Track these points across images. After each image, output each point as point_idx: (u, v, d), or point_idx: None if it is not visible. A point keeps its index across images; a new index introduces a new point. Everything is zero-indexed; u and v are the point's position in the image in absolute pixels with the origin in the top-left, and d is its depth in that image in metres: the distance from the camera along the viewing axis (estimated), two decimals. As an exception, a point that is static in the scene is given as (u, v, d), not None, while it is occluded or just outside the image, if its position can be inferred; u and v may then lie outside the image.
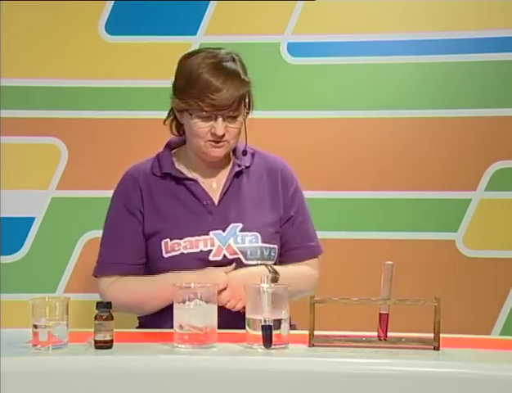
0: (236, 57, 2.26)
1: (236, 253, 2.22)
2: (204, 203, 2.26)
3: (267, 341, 1.80)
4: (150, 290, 2.23)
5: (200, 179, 2.30)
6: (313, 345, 1.86)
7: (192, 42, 3.03)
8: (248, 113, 2.28)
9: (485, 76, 2.99)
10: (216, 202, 2.27)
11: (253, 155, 2.35)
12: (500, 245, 2.97)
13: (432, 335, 1.85)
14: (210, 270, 2.18)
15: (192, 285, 1.87)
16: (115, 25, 3.04)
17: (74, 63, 3.03)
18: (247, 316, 1.85)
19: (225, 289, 2.12)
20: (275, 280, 2.14)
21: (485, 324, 2.93)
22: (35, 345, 1.82)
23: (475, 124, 2.98)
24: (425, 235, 2.99)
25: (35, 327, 1.82)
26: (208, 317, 1.85)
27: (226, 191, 2.28)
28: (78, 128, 3.03)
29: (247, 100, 2.25)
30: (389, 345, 1.86)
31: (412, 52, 2.99)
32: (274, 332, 1.81)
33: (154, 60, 3.04)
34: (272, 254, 2.27)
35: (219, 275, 2.15)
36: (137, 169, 2.36)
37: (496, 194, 2.98)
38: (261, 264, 2.23)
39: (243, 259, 2.23)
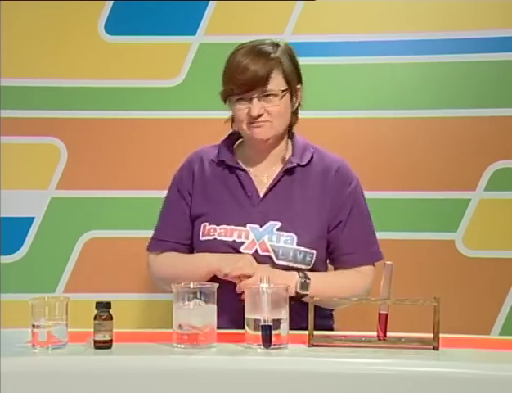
0: (282, 44, 2.29)
1: (268, 250, 2.21)
2: (249, 194, 2.26)
3: (267, 341, 1.80)
4: (182, 266, 2.28)
5: (253, 172, 2.30)
6: (313, 345, 1.86)
7: (192, 42, 3.03)
8: (293, 98, 2.28)
9: (484, 76, 2.98)
10: (261, 196, 2.27)
11: (312, 153, 2.33)
12: (500, 245, 2.97)
13: (431, 335, 1.85)
14: (237, 256, 2.20)
15: (192, 285, 1.87)
16: (115, 25, 3.04)
17: (74, 63, 3.03)
18: (246, 316, 1.85)
19: (249, 277, 2.12)
20: (305, 286, 2.14)
21: (484, 324, 2.93)
22: (34, 345, 1.81)
23: (474, 124, 2.98)
24: (425, 235, 2.98)
25: (35, 327, 1.81)
26: (208, 317, 1.85)
27: (273, 186, 2.27)
28: (77, 128, 3.02)
29: (285, 81, 2.25)
30: (389, 345, 1.86)
31: (411, 52, 2.99)
32: (273, 332, 1.81)
33: (153, 60, 3.04)
34: (308, 258, 2.23)
35: (246, 259, 2.16)
36: (198, 153, 2.39)
37: (495, 194, 2.97)
38: (294, 269, 2.21)
39: (274, 258, 2.21)
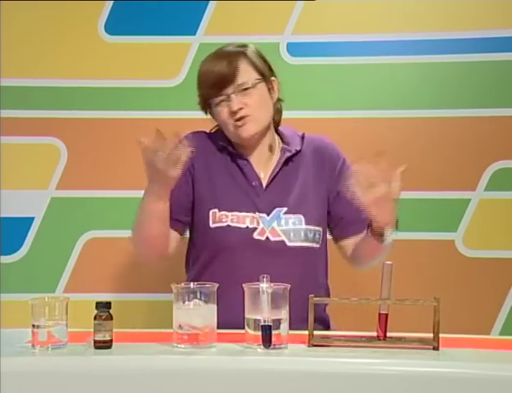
0: (244, 45, 2.32)
1: (279, 235, 2.23)
2: (253, 184, 2.28)
3: (267, 341, 1.80)
4: (137, 213, 2.26)
5: (253, 161, 2.32)
6: (313, 345, 1.86)
7: (192, 42, 3.03)
8: (270, 90, 2.30)
9: (484, 76, 2.98)
10: (264, 186, 2.29)
11: (302, 138, 2.37)
12: (500, 245, 2.97)
13: (431, 335, 1.85)
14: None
15: (192, 285, 1.87)
16: (115, 25, 3.04)
17: (74, 63, 3.03)
18: (246, 316, 1.85)
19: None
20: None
21: (484, 324, 2.93)
22: (34, 345, 1.81)
23: (474, 124, 2.98)
24: (425, 235, 2.98)
25: (34, 327, 1.81)
26: (208, 317, 1.85)
27: (275, 176, 2.30)
28: (77, 128, 3.02)
29: (257, 73, 2.28)
30: (389, 345, 1.86)
31: (411, 52, 2.99)
32: (273, 332, 1.81)
33: (153, 60, 3.04)
34: (317, 236, 2.28)
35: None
36: (196, 133, 2.37)
37: (495, 194, 2.97)
38: (305, 248, 2.24)
39: (286, 242, 2.25)
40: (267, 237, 2.24)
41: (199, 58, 2.99)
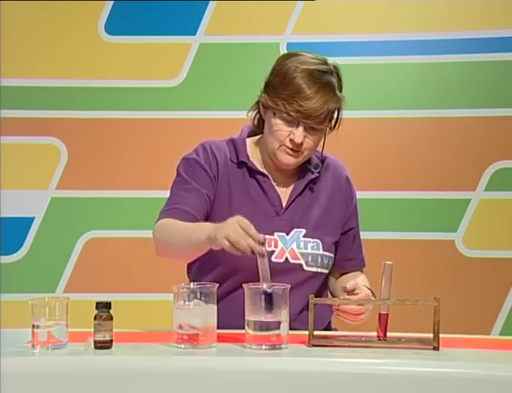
0: (334, 70, 2.18)
1: (298, 258, 2.17)
2: (275, 204, 2.20)
3: (268, 307, 1.81)
4: (180, 230, 2.08)
5: (272, 177, 2.23)
6: (313, 345, 1.86)
7: (192, 43, 3.03)
8: (332, 129, 2.20)
9: (485, 76, 2.99)
10: (284, 205, 2.21)
11: (322, 161, 2.28)
12: (500, 245, 2.97)
13: (431, 335, 1.85)
14: (232, 220, 1.94)
15: (192, 285, 1.87)
16: (115, 25, 3.04)
17: (74, 63, 3.03)
18: (246, 318, 1.85)
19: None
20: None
21: (485, 324, 2.93)
22: (34, 346, 1.81)
23: (475, 124, 2.98)
24: (425, 235, 2.98)
25: (34, 327, 1.81)
26: (208, 317, 1.84)
27: (298, 196, 2.22)
28: (77, 128, 3.03)
29: (335, 115, 2.17)
30: (389, 345, 1.86)
31: (412, 52, 2.99)
32: (274, 333, 1.81)
33: (153, 60, 3.04)
34: (330, 263, 2.23)
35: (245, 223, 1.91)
36: (217, 145, 2.24)
37: (495, 194, 2.97)
38: (319, 274, 2.20)
39: (304, 265, 2.18)
40: (286, 259, 2.17)
41: (200, 58, 3.02)
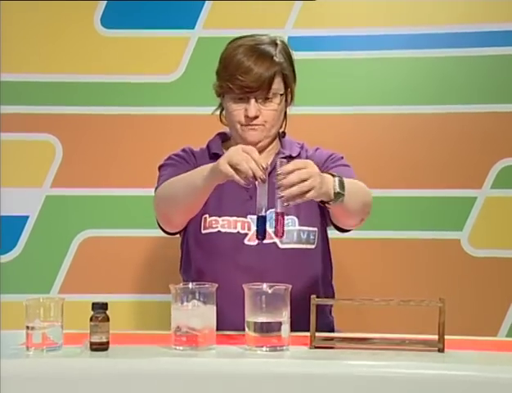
0: (279, 43, 2.29)
1: (271, 237, 2.19)
2: (249, 187, 2.23)
3: (260, 233, 1.82)
4: (180, 180, 2.19)
5: None
6: (315, 347, 1.86)
7: (190, 36, 3.02)
8: (288, 100, 2.30)
9: (491, 70, 2.98)
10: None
11: (301, 147, 2.37)
12: (507, 244, 2.97)
13: (436, 336, 1.85)
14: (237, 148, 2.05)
15: (190, 285, 1.87)
16: (111, 19, 3.03)
17: (69, 57, 3.03)
18: (246, 319, 1.85)
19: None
20: (341, 185, 2.05)
21: (491, 326, 2.93)
22: (29, 348, 1.81)
23: (481, 120, 2.97)
24: (429, 234, 2.98)
25: (29, 328, 1.81)
26: (207, 318, 1.84)
27: (269, 175, 2.23)
28: (73, 125, 3.02)
29: (283, 83, 2.26)
30: (393, 346, 1.86)
31: (416, 46, 2.98)
32: (274, 334, 1.81)
33: (151, 54, 3.04)
34: (312, 237, 2.27)
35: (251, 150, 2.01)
36: (196, 150, 2.39)
37: (502, 192, 2.97)
38: (299, 250, 2.23)
39: (278, 244, 2.23)
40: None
41: (198, 53, 3.02)
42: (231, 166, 1.97)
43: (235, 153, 1.99)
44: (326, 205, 2.08)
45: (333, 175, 2.06)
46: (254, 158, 1.96)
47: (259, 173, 1.95)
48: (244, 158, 1.96)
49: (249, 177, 1.96)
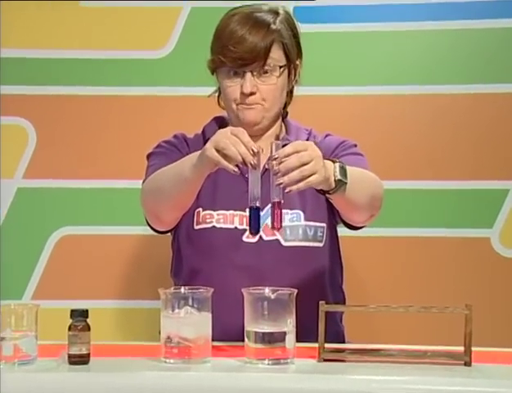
0: (282, 12, 2.29)
1: (274, 233, 2.21)
2: (246, 176, 2.25)
3: (254, 226, 1.87)
4: (168, 170, 2.20)
5: None
6: (323, 360, 1.86)
7: (182, 7, 3.03)
8: (291, 76, 2.30)
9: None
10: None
11: (309, 133, 2.38)
12: (542, 243, 2.97)
13: (462, 348, 1.85)
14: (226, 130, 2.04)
15: (182, 290, 1.87)
16: (93, -12, 3.04)
17: (46, 31, 3.03)
18: (246, 328, 1.85)
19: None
20: (343, 172, 2.04)
21: (524, 336, 2.94)
22: (-2, 361, 1.82)
23: (513, 102, 2.98)
24: (455, 232, 2.99)
25: (-2, 339, 1.82)
26: (201, 327, 1.85)
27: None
28: (48, 107, 3.02)
29: (285, 56, 2.26)
30: (413, 359, 1.86)
31: (438, 17, 2.98)
32: (278, 345, 1.81)
33: (138, 27, 3.04)
34: (319, 233, 2.27)
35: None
36: (189, 136, 2.40)
37: (537, 184, 2.97)
38: (305, 248, 2.24)
39: (282, 241, 2.24)
40: (260, 237, 2.22)
41: (191, 25, 3.01)
42: (218, 151, 1.96)
43: (222, 136, 1.98)
44: (327, 195, 2.07)
45: (333, 161, 2.06)
46: (243, 141, 1.95)
47: (249, 158, 1.94)
48: (232, 141, 1.95)
49: (239, 162, 1.96)
